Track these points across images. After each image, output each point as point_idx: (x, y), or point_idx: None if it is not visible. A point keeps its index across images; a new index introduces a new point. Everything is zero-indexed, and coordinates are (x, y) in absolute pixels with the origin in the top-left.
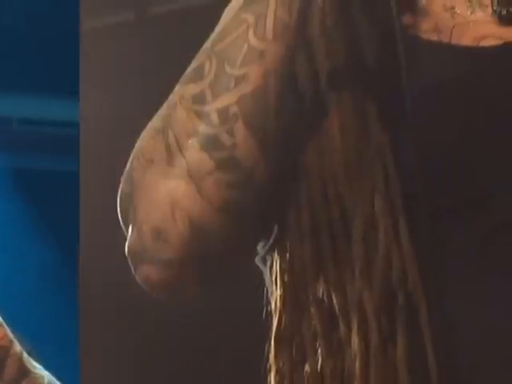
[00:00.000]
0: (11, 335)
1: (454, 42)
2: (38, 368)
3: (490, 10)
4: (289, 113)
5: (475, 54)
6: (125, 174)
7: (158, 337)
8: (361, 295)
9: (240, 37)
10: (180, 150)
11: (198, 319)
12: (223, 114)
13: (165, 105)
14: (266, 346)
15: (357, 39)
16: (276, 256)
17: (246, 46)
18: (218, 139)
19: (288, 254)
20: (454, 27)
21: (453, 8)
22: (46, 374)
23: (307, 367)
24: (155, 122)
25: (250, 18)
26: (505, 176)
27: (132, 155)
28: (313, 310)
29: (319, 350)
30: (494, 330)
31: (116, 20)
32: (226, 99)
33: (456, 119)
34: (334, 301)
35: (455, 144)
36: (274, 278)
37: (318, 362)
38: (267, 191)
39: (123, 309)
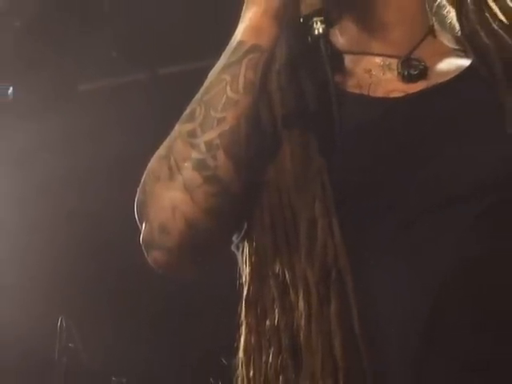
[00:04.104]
0: None
1: (371, 94)
2: None
3: (396, 72)
4: (255, 144)
5: (386, 103)
6: (140, 187)
7: (160, 303)
8: (305, 272)
9: (221, 90)
10: (178, 170)
11: (191, 290)
12: (209, 144)
13: (167, 138)
14: (239, 307)
15: (302, 93)
16: (245, 244)
17: (225, 97)
18: (205, 162)
19: (254, 243)
20: (371, 84)
21: (370, 70)
22: None
23: (268, 322)
24: (161, 150)
25: (228, 78)
26: (405, 189)
27: (144, 174)
28: (271, 282)
29: (276, 310)
30: (398, 294)
31: (129, 79)
32: (211, 134)
33: (371, 149)
34: (287, 276)
35: (370, 166)
36: (244, 260)
37: (275, 318)
38: (240, 198)
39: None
